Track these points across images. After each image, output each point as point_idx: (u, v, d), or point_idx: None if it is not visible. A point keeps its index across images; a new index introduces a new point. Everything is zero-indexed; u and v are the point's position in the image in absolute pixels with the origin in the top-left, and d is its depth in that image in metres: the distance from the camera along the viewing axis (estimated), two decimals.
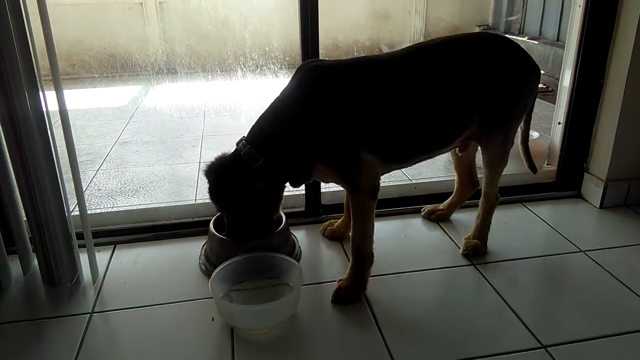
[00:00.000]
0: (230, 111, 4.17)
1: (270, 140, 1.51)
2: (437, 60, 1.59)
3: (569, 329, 1.48)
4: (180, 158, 3.05)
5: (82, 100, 4.75)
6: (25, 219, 1.69)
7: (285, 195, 2.06)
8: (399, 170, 2.29)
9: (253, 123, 1.57)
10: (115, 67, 5.59)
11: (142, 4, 5.66)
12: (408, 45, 1.65)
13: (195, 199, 2.44)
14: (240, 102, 4.49)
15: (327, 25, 5.88)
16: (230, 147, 1.59)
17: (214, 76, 5.48)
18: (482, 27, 6.12)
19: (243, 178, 1.50)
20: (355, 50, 5.95)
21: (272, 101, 1.56)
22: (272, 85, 4.89)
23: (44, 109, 1.56)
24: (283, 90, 1.56)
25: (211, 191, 1.59)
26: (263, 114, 1.56)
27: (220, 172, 1.55)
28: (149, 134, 3.57)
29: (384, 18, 6.24)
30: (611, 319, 1.52)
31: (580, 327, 1.49)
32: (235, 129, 3.62)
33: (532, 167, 1.93)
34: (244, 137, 1.56)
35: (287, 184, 1.60)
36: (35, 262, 1.77)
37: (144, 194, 2.53)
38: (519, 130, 1.85)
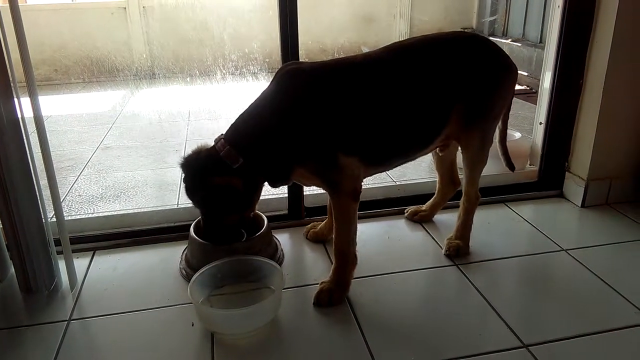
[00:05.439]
0: (212, 114, 4.15)
1: (249, 141, 1.51)
2: (413, 60, 1.59)
3: (550, 328, 1.48)
4: (163, 163, 3.02)
5: (64, 106, 4.69)
6: (1, 226, 1.65)
7: (268, 198, 2.06)
8: (383, 172, 2.30)
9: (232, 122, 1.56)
10: (97, 72, 5.55)
11: (125, 8, 5.63)
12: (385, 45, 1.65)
13: (178, 204, 2.42)
14: (221, 104, 4.48)
15: (313, 29, 5.90)
16: None
17: (194, 79, 5.45)
18: (466, 30, 6.17)
19: (219, 177, 1.49)
20: (336, 52, 5.96)
21: (251, 102, 1.55)
22: (252, 88, 4.87)
23: (20, 116, 1.54)
24: (262, 92, 1.55)
25: (186, 188, 1.58)
26: (242, 114, 1.56)
27: (197, 170, 1.55)
28: (131, 138, 3.54)
29: (370, 21, 6.27)
30: (592, 317, 1.52)
31: (562, 325, 1.49)
32: (218, 132, 3.59)
33: (510, 166, 1.93)
34: (222, 135, 1.55)
35: (266, 183, 1.59)
36: (12, 269, 1.73)
37: (126, 199, 2.50)
38: (497, 130, 1.86)
